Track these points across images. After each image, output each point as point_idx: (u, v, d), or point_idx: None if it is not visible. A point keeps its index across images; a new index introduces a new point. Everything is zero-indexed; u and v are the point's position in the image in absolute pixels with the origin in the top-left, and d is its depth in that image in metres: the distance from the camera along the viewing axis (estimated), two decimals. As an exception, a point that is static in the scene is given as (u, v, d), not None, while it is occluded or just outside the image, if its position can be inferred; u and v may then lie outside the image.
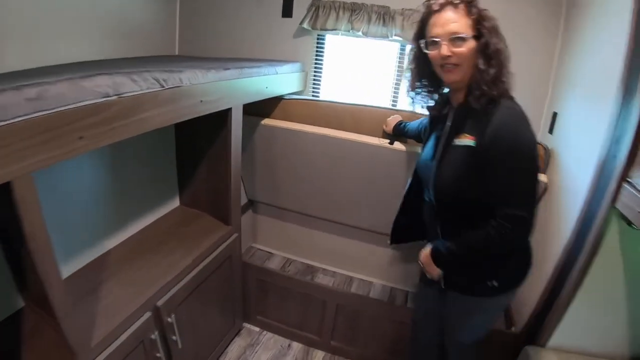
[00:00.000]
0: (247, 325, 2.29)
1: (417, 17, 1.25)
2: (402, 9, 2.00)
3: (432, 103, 1.38)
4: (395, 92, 2.29)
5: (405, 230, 1.62)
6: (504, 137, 1.10)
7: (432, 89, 1.35)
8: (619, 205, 1.25)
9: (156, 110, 1.21)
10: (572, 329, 1.50)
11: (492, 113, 1.12)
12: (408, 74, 1.38)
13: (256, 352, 2.11)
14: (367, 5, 2.05)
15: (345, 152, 1.99)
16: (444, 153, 1.25)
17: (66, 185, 1.44)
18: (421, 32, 1.23)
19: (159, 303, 1.45)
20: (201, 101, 1.43)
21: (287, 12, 2.24)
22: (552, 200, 1.73)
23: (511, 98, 1.19)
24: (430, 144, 1.37)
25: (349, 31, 2.11)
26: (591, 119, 1.48)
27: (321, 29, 2.16)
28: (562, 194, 1.66)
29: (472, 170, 1.17)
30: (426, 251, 1.36)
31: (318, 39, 2.30)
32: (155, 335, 1.43)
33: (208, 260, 1.73)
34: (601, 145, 1.35)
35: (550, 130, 1.84)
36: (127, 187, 1.73)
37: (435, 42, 1.16)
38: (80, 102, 0.97)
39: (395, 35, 2.04)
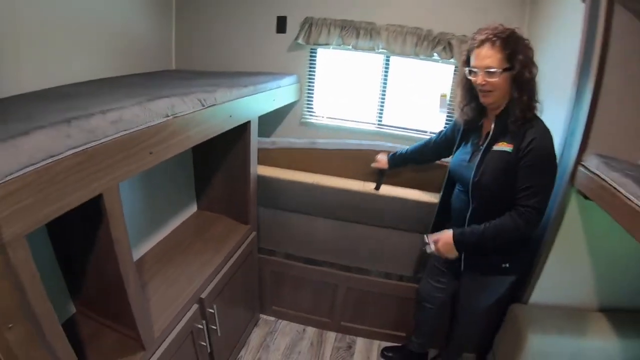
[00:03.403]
0: (263, 316, 2.49)
1: (465, 47, 1.51)
2: (387, 24, 2.27)
3: (468, 116, 1.61)
4: (381, 104, 2.57)
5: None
6: (539, 149, 1.38)
7: (474, 106, 1.57)
8: (576, 184, 1.57)
9: (199, 127, 1.41)
10: (546, 287, 1.82)
11: (528, 128, 1.40)
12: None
13: (275, 339, 2.32)
14: (355, 21, 2.30)
15: (329, 196, 2.09)
16: (483, 156, 1.48)
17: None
18: (467, 60, 1.47)
19: (203, 295, 1.64)
20: (230, 116, 1.64)
21: (281, 28, 2.46)
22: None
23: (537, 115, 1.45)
24: (466, 149, 1.62)
25: (339, 45, 2.36)
26: (552, 116, 1.79)
27: (314, 44, 2.39)
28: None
29: (505, 170, 1.43)
30: (445, 237, 1.57)
31: (310, 52, 2.53)
32: (202, 325, 1.62)
33: (235, 256, 1.93)
34: (560, 137, 1.67)
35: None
36: (153, 198, 1.89)
37: (475, 71, 1.42)
38: (148, 122, 1.16)
39: (381, 48, 2.31)
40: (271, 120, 2.62)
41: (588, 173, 1.47)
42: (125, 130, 1.07)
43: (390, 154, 2.01)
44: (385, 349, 2.31)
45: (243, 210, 2.10)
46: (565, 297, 1.84)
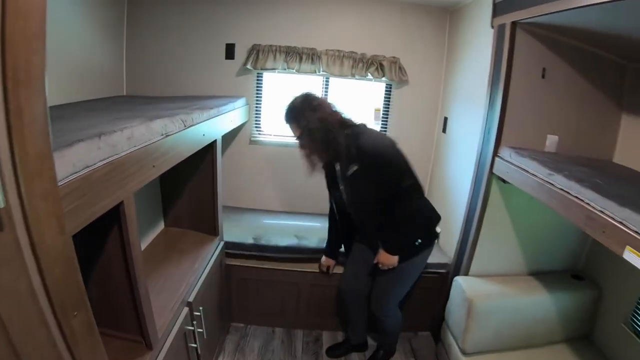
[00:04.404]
0: (233, 324, 2.61)
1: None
2: (326, 49, 2.61)
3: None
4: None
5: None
6: (370, 152, 1.74)
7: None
8: (495, 171, 1.99)
9: (184, 144, 1.59)
10: (482, 260, 2.22)
11: (353, 147, 1.75)
12: None
13: (249, 342, 2.46)
14: (298, 47, 2.61)
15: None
16: (345, 183, 1.89)
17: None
18: None
19: (190, 299, 1.77)
20: (204, 135, 1.82)
21: (230, 55, 2.69)
22: (452, 177, 2.46)
23: (356, 126, 1.82)
24: (334, 186, 1.99)
25: (285, 69, 2.65)
26: (469, 118, 2.24)
27: (261, 69, 2.65)
28: (458, 172, 2.39)
29: (364, 180, 1.80)
30: (381, 255, 1.92)
31: (257, 76, 2.78)
32: (192, 327, 1.74)
33: (210, 264, 2.07)
34: (479, 135, 2.10)
35: (444, 130, 2.60)
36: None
37: None
38: (150, 139, 1.32)
39: (321, 70, 2.63)
40: (222, 141, 2.79)
41: (503, 161, 1.91)
42: (135, 146, 1.23)
43: (325, 248, 2.35)
44: (329, 348, 2.49)
45: (211, 223, 2.25)
46: (499, 266, 2.25)
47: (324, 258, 2.36)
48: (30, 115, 0.70)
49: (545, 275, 2.28)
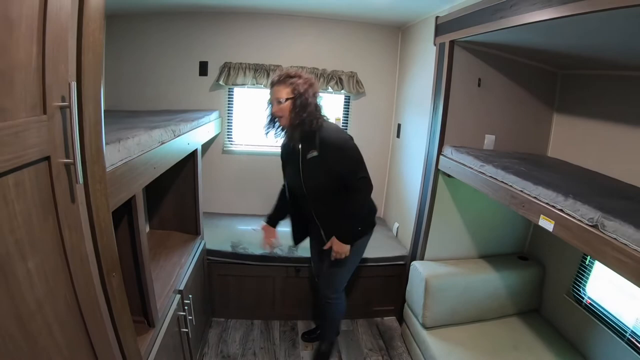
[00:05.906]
0: (214, 319, 2.80)
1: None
2: (291, 66, 2.91)
3: (279, 135, 2.08)
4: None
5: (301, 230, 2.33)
6: (331, 143, 1.91)
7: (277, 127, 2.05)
8: (440, 167, 2.35)
9: (173, 152, 1.83)
10: (435, 246, 2.56)
11: (317, 135, 1.92)
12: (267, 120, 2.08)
13: (230, 334, 2.66)
14: (265, 65, 2.91)
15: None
16: (304, 164, 2.00)
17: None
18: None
19: (181, 287, 1.98)
20: (188, 144, 2.06)
21: (203, 71, 2.95)
22: (406, 177, 2.82)
23: (325, 120, 1.97)
24: (292, 167, 2.07)
25: (254, 85, 2.93)
26: (419, 124, 2.61)
27: (232, 84, 2.92)
28: (411, 171, 2.76)
29: (321, 167, 1.95)
30: (334, 244, 2.04)
31: (229, 91, 3.04)
32: (184, 312, 1.95)
33: (194, 259, 2.28)
34: (426, 137, 2.47)
35: (398, 135, 2.98)
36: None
37: (271, 103, 1.97)
38: (152, 146, 1.56)
39: (288, 84, 2.93)
40: (197, 151, 3.03)
41: (446, 158, 2.27)
42: (142, 151, 1.47)
43: (265, 218, 2.37)
44: (304, 333, 2.73)
45: (193, 224, 2.47)
46: (451, 251, 2.60)
47: (263, 224, 2.37)
48: (94, 120, 0.95)
49: (494, 258, 2.62)
